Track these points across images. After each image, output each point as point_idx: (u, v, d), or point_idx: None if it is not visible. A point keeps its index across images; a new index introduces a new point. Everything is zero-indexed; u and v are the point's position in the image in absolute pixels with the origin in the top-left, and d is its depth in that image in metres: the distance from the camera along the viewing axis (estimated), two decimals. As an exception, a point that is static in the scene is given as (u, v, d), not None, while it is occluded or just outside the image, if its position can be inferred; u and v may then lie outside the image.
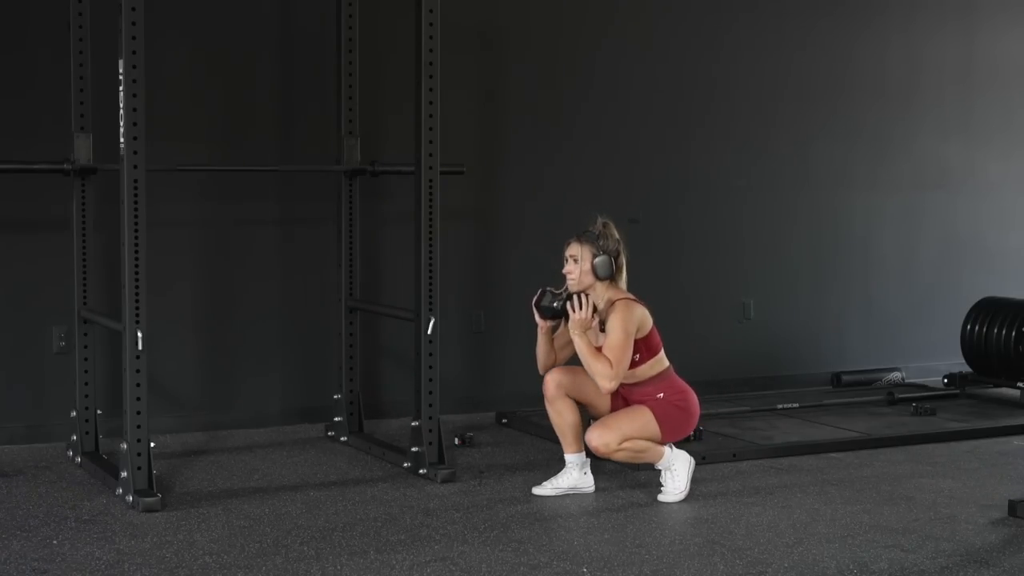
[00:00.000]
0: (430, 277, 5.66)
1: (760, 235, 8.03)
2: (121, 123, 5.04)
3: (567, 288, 5.34)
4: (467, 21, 6.98)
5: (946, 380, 7.87)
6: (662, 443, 5.31)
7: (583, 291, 5.29)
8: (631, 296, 5.33)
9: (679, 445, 5.44)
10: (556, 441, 6.42)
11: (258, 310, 6.75)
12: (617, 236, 5.36)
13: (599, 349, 5.23)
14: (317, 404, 6.70)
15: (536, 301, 5.38)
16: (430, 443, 5.66)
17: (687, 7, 7.74)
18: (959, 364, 8.01)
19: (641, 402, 5.33)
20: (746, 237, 7.98)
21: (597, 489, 5.48)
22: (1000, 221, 8.82)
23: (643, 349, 5.29)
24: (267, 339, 6.76)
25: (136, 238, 5.08)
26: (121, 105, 5.03)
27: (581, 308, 5.22)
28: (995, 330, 7.66)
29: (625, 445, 5.23)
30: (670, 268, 7.63)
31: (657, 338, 5.35)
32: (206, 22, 6.57)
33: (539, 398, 7.16)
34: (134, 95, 5.00)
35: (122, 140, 5.04)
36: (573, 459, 5.44)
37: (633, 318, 5.23)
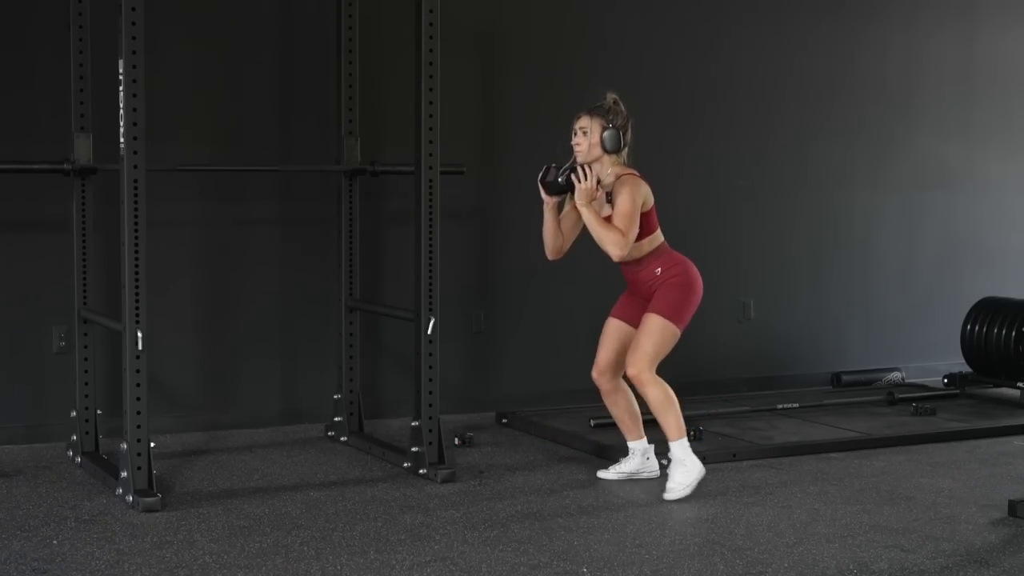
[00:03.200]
0: (430, 277, 5.66)
1: (760, 235, 8.03)
2: (121, 123, 5.04)
3: (573, 161, 5.40)
4: (467, 21, 6.98)
5: (946, 380, 7.87)
6: (681, 327, 5.39)
7: (588, 164, 5.37)
8: (637, 172, 5.43)
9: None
10: (556, 441, 6.47)
11: (258, 310, 6.75)
12: (625, 112, 5.46)
13: (607, 220, 5.30)
14: (317, 404, 6.70)
15: (541, 177, 5.46)
16: (430, 443, 5.66)
17: (687, 7, 7.74)
18: (959, 364, 8.01)
19: (643, 282, 5.42)
20: (746, 237, 7.98)
21: (597, 488, 5.50)
22: (1000, 221, 8.82)
23: (645, 224, 5.38)
24: (267, 339, 6.76)
25: (136, 238, 5.08)
26: (121, 105, 5.03)
27: (586, 178, 5.29)
28: (995, 330, 7.66)
29: (659, 381, 5.31)
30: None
31: (655, 217, 5.46)
32: (206, 22, 6.57)
33: (539, 398, 7.23)
34: (134, 95, 5.01)
35: (122, 140, 5.04)
36: (635, 446, 5.64)
37: (640, 191, 5.34)
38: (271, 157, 6.69)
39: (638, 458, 5.65)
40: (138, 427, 5.11)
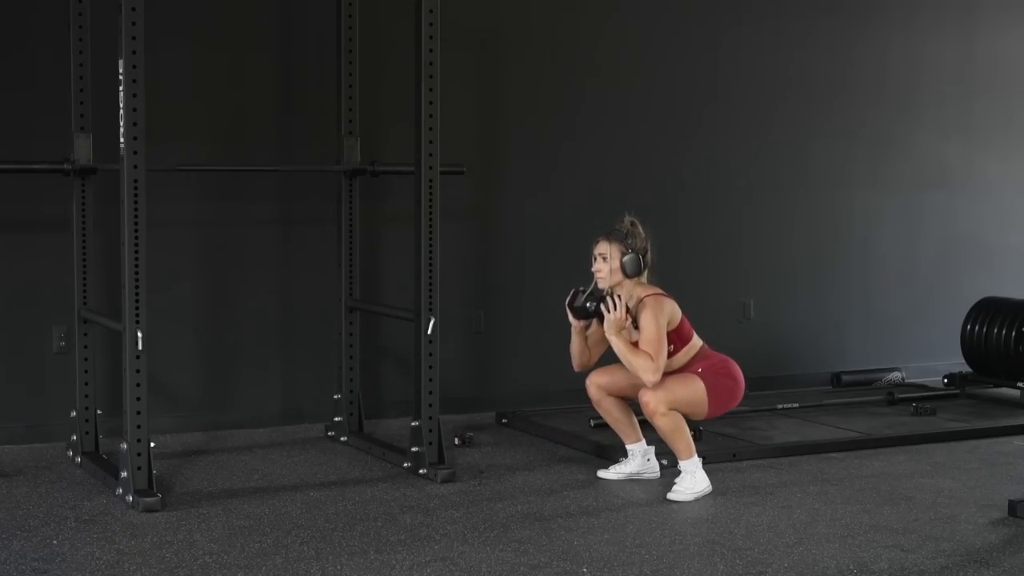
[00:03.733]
0: (430, 277, 5.66)
1: (760, 235, 8.03)
2: (121, 123, 5.04)
3: (596, 286, 5.41)
4: (467, 21, 6.98)
5: (946, 380, 7.87)
6: (708, 416, 5.45)
7: (613, 290, 5.36)
8: (659, 290, 5.44)
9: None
10: (556, 441, 6.46)
11: (258, 310, 6.75)
12: (644, 234, 5.46)
13: (635, 345, 5.31)
14: (317, 404, 6.70)
15: (569, 302, 5.46)
16: (430, 443, 5.66)
17: (687, 7, 7.74)
18: (959, 364, 8.01)
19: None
20: (746, 237, 7.98)
21: (597, 488, 5.50)
22: (1000, 221, 8.82)
23: (676, 339, 5.40)
24: (267, 339, 6.76)
25: (136, 238, 5.08)
26: (121, 105, 5.03)
27: (615, 308, 5.29)
28: (995, 330, 7.66)
29: (670, 412, 5.31)
30: (670, 268, 7.57)
31: (688, 326, 5.47)
32: (206, 22, 6.57)
33: (539, 398, 7.23)
34: (134, 95, 5.00)
35: (122, 140, 5.04)
36: (634, 448, 5.66)
37: (663, 312, 5.35)
38: (271, 157, 6.69)
39: (639, 459, 5.66)
40: (138, 427, 5.11)
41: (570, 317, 5.49)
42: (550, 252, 7.34)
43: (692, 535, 4.85)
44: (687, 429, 5.41)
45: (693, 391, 5.38)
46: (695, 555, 4.57)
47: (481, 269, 7.27)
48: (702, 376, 5.41)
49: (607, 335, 5.34)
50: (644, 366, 5.26)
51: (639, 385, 5.37)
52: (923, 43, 8.48)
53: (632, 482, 5.63)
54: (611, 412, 5.62)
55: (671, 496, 5.33)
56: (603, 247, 5.43)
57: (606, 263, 5.41)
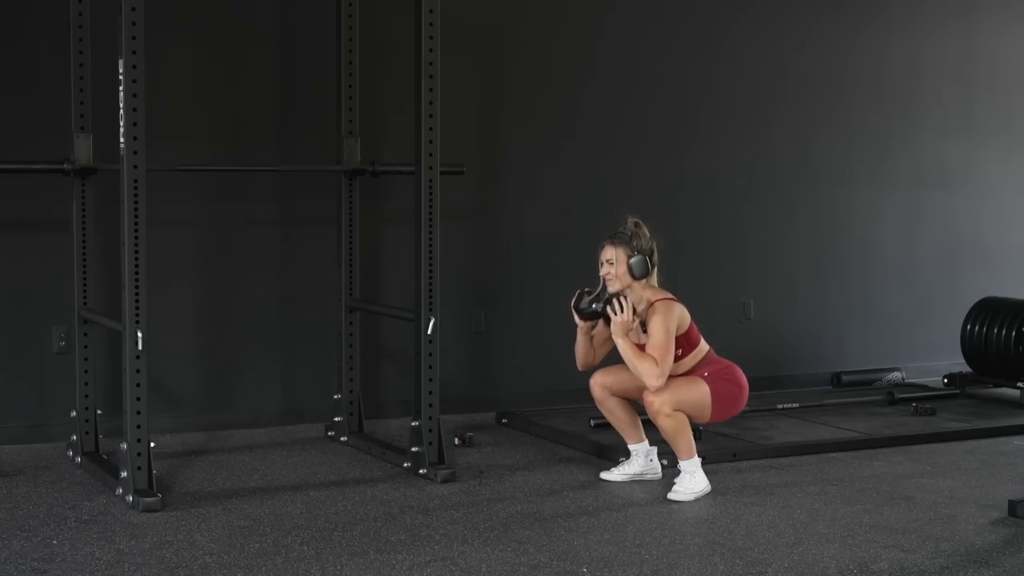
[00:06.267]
0: (430, 277, 5.66)
1: (760, 235, 8.03)
2: (121, 123, 5.04)
3: (603, 288, 5.40)
4: (467, 21, 6.98)
5: (946, 380, 7.87)
6: (712, 420, 5.44)
7: (621, 292, 5.34)
8: (669, 295, 5.43)
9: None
10: (556, 441, 6.46)
11: (258, 310, 6.75)
12: (649, 235, 5.45)
13: (641, 347, 5.29)
14: (317, 404, 6.70)
15: (575, 304, 5.46)
16: (430, 443, 5.66)
17: (686, 7, 7.74)
18: (959, 364, 8.01)
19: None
20: (746, 237, 7.98)
21: (597, 488, 5.50)
22: (1000, 221, 8.82)
23: (684, 344, 5.41)
24: (267, 339, 6.76)
25: (136, 238, 5.08)
26: (121, 105, 5.03)
27: (622, 310, 5.28)
28: (995, 330, 7.66)
29: (675, 414, 5.31)
30: (670, 268, 7.55)
31: (696, 331, 5.47)
32: (206, 22, 6.57)
33: (539, 398, 7.23)
34: (134, 95, 5.00)
35: (122, 140, 5.04)
36: (636, 448, 5.65)
37: (673, 317, 5.34)
38: (271, 157, 6.69)
39: (641, 459, 5.66)
40: (138, 427, 5.11)
41: (575, 318, 5.49)
42: (550, 252, 7.34)
43: (692, 535, 4.85)
44: (690, 430, 5.41)
45: (698, 395, 5.38)
46: (695, 555, 4.57)
47: (481, 269, 7.27)
48: (708, 380, 5.41)
49: (614, 337, 5.34)
50: (649, 371, 5.25)
51: (643, 386, 5.37)
52: (923, 43, 8.48)
53: (633, 482, 5.63)
54: (614, 412, 5.62)
55: (671, 496, 5.33)
56: (609, 252, 5.42)
57: (613, 267, 5.40)
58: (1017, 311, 7.60)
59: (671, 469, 5.56)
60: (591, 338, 5.55)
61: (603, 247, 5.45)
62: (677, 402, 5.32)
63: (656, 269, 5.48)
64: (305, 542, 4.67)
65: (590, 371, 5.65)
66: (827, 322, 8.27)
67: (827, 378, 8.15)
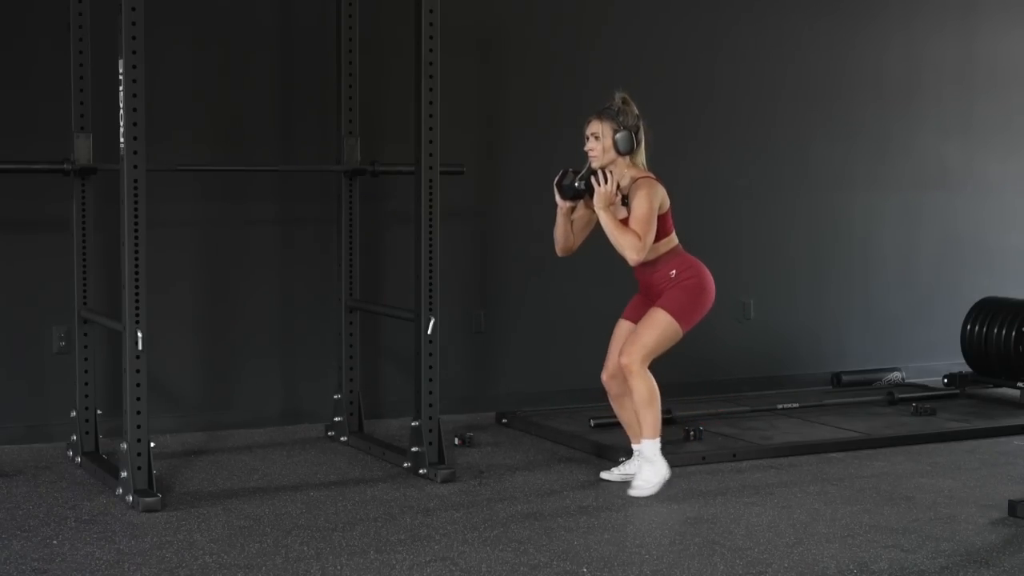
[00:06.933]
0: (430, 277, 5.66)
1: (760, 235, 8.03)
2: (121, 123, 5.04)
3: (589, 168, 5.39)
4: (467, 21, 6.98)
5: (946, 380, 7.87)
6: (684, 328, 5.40)
7: (606, 167, 5.35)
8: (652, 175, 5.40)
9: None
10: (556, 441, 6.46)
11: (258, 310, 6.75)
12: (636, 112, 5.41)
13: (623, 222, 5.29)
14: (317, 404, 6.70)
15: (557, 181, 5.45)
16: (430, 443, 5.66)
17: (686, 7, 7.74)
18: (959, 364, 8.01)
19: (656, 284, 5.41)
20: (746, 237, 7.98)
21: (597, 488, 5.49)
22: (1000, 221, 8.82)
23: (660, 227, 5.36)
24: (267, 339, 6.76)
25: (136, 238, 5.08)
26: (121, 105, 5.03)
27: (605, 182, 5.29)
28: (995, 330, 7.66)
29: (645, 374, 5.30)
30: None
31: (671, 219, 5.44)
32: (206, 22, 6.57)
33: (539, 398, 7.23)
34: (134, 95, 5.01)
35: (122, 140, 5.04)
36: (640, 448, 5.57)
37: (657, 195, 5.32)
38: (271, 157, 6.69)
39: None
40: (138, 427, 5.11)
41: (557, 197, 5.45)
42: (550, 252, 7.28)
43: (692, 535, 4.85)
44: (659, 404, 5.37)
45: (663, 325, 5.34)
46: (695, 555, 4.57)
47: (481, 269, 7.28)
48: (668, 298, 5.35)
49: (596, 208, 5.32)
50: (631, 243, 5.24)
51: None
52: (923, 43, 8.48)
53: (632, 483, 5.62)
54: (625, 407, 5.56)
55: (632, 493, 5.32)
56: (595, 126, 5.38)
57: (598, 142, 5.36)
58: (1017, 311, 7.60)
59: (673, 470, 5.54)
60: (570, 222, 5.51)
61: (589, 121, 5.40)
62: (648, 349, 5.30)
63: (642, 147, 5.42)
64: (305, 542, 4.67)
65: (569, 257, 5.63)
66: (827, 322, 8.28)
67: (827, 378, 8.15)
